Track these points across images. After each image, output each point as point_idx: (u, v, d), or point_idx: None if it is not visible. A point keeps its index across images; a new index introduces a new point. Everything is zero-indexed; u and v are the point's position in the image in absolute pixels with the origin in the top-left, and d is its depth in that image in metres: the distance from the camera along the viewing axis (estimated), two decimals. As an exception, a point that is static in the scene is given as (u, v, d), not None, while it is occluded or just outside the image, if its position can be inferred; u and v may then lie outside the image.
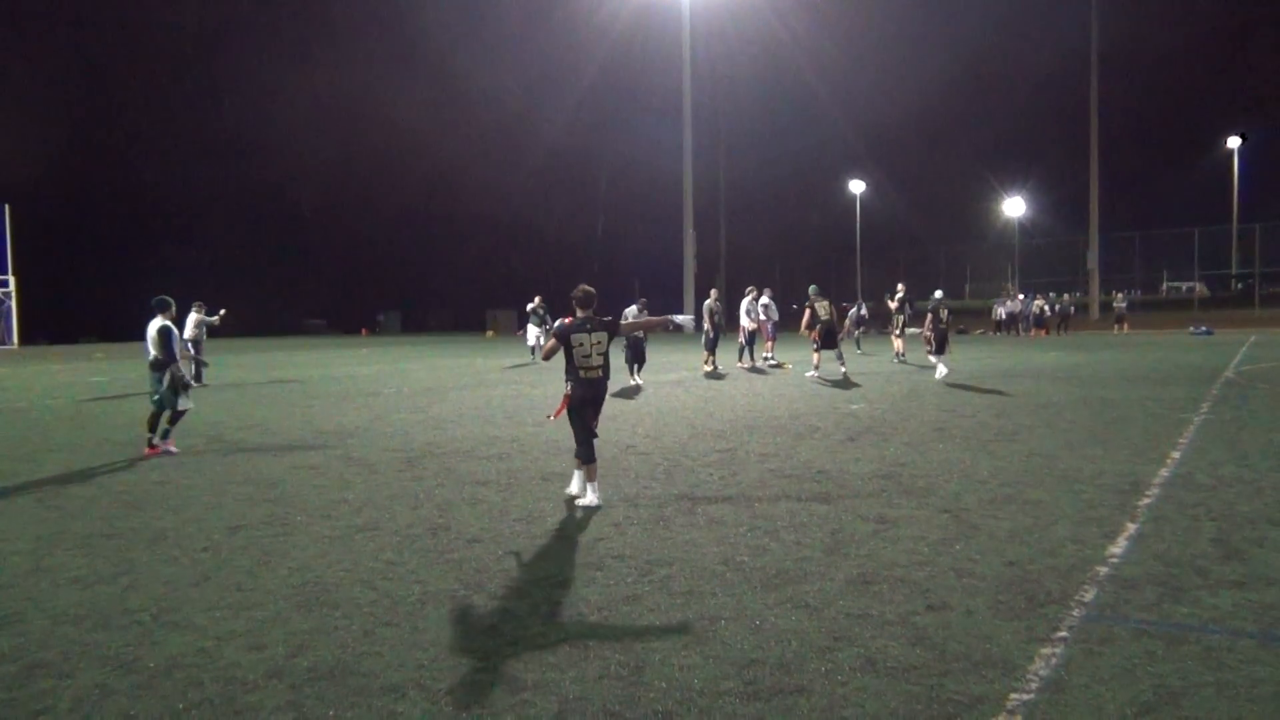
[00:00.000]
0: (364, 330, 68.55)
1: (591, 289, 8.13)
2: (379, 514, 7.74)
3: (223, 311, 22.70)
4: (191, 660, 4.64)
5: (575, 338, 7.93)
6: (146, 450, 11.24)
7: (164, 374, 11.23)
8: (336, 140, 76.73)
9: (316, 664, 4.55)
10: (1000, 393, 16.35)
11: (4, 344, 51.63)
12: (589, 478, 8.05)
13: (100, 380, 23.62)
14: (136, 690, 4.30)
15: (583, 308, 8.07)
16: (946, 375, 19.35)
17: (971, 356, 27.16)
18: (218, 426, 13.66)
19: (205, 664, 4.59)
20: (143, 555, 6.61)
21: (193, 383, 12.34)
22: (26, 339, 53.97)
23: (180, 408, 11.37)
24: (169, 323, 11.40)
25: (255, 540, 6.97)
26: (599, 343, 8.00)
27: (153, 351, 11.32)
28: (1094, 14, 56.38)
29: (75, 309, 60.46)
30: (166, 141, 71.05)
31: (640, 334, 18.60)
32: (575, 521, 7.35)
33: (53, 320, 57.59)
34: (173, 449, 11.27)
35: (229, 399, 18.19)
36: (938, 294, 20.96)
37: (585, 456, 8.03)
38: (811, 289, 20.96)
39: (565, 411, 8.14)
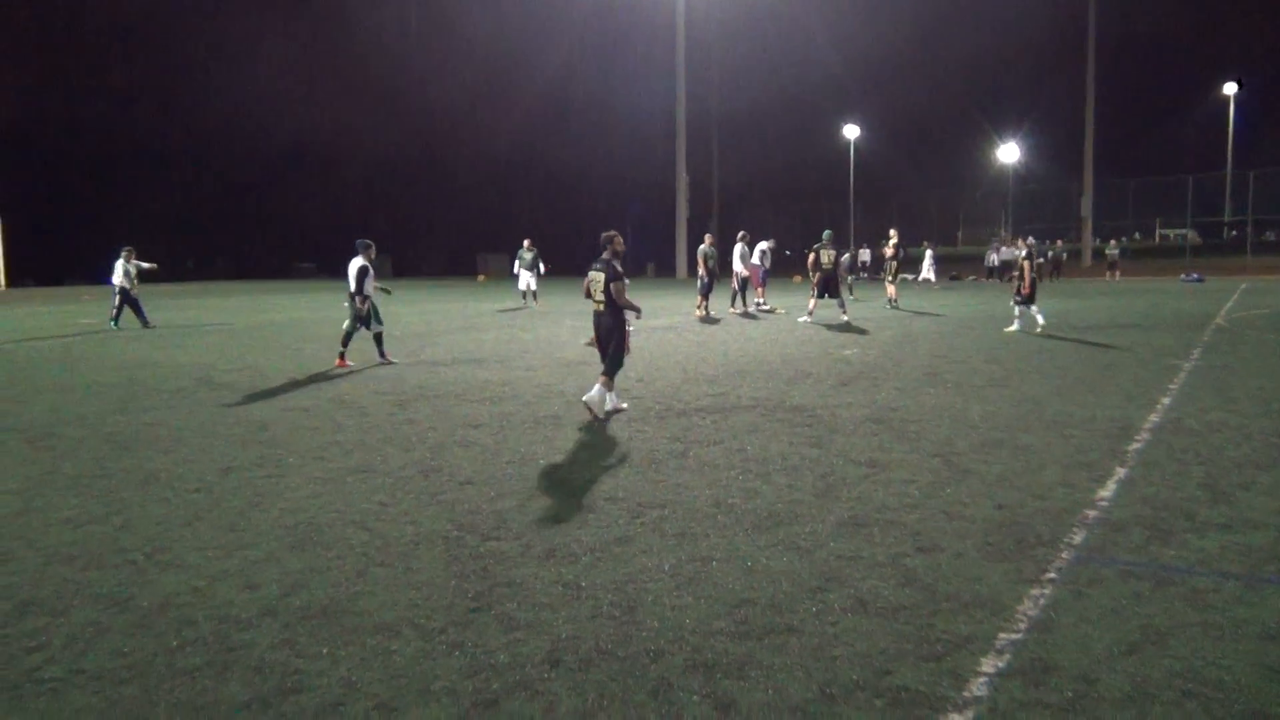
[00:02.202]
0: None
1: (612, 233, 9.69)
2: (371, 456, 7.75)
3: (155, 266, 22.63)
4: (185, 599, 4.65)
5: (589, 273, 9.56)
6: (336, 361, 13.49)
7: (352, 304, 13.46)
8: (327, 81, 75.59)
9: (309, 603, 4.57)
10: (991, 339, 16.37)
11: (-9, 286, 51.30)
12: (606, 388, 9.40)
13: (88, 322, 23.49)
14: (130, 628, 4.31)
15: (603, 249, 9.58)
16: (1033, 325, 17.37)
17: (964, 302, 27.16)
18: (209, 368, 13.61)
19: (198, 602, 4.60)
20: (134, 496, 6.61)
21: (366, 322, 13.70)
22: (13, 281, 53.64)
23: (373, 330, 13.67)
24: (367, 263, 13.51)
25: (247, 481, 6.97)
26: (599, 282, 9.42)
27: (352, 284, 13.43)
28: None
29: (61, 251, 59.93)
30: (152, 81, 69.86)
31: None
32: (567, 464, 7.36)
33: (39, 263, 57.10)
34: (348, 365, 13.38)
35: (219, 341, 18.13)
36: (1030, 240, 19.35)
37: (604, 373, 9.51)
38: (826, 234, 20.90)
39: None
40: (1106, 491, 6.32)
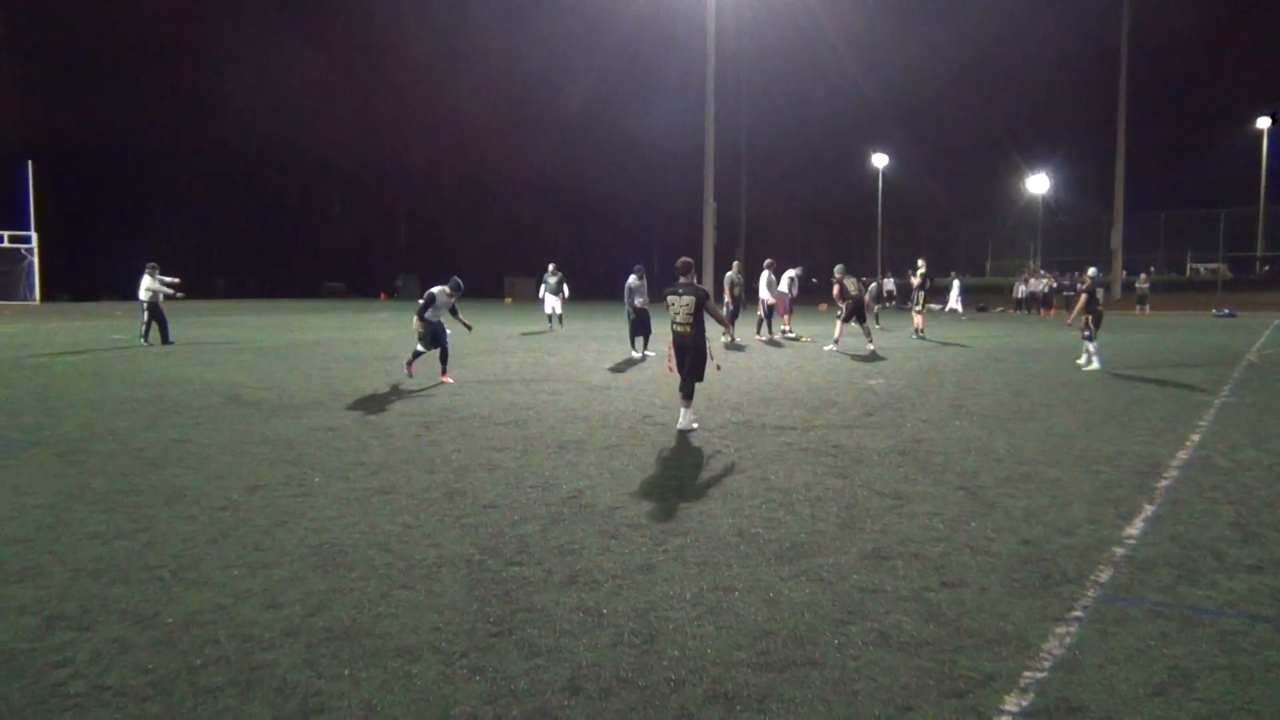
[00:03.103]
0: (382, 294, 68.57)
1: (689, 260, 10.29)
2: (395, 477, 7.78)
3: (178, 281, 22.43)
4: (209, 617, 4.69)
5: (669, 298, 10.06)
6: (440, 378, 14.17)
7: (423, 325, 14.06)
8: (361, 105, 76.36)
9: (332, 624, 4.59)
10: (1019, 370, 16.27)
11: (26, 300, 51.97)
12: (685, 407, 10.11)
13: (120, 338, 23.76)
14: (154, 645, 4.35)
15: (682, 274, 10.16)
16: (1098, 366, 16.37)
17: (991, 334, 27.01)
18: (236, 387, 13.73)
19: (222, 620, 4.64)
20: (162, 512, 6.67)
21: (421, 347, 14.40)
22: (47, 296, 54.33)
23: (418, 349, 14.33)
24: (436, 292, 14.09)
25: (273, 500, 7.02)
26: (686, 305, 9.91)
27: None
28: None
29: (97, 268, 60.56)
30: (187, 100, 70.69)
31: (641, 305, 18.75)
32: (590, 490, 7.37)
33: (74, 278, 57.76)
34: (411, 372, 14.43)
35: (248, 360, 18.29)
36: (1092, 271, 18.00)
37: (683, 392, 10.15)
38: (837, 269, 20.99)
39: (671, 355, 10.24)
40: (1134, 529, 6.26)
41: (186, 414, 11.15)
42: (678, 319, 10.03)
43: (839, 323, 20.86)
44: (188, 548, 5.84)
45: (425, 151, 75.00)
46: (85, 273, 59.78)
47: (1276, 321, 32.80)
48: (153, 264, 21.95)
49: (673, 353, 10.25)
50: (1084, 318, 16.43)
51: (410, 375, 14.38)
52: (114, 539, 6.03)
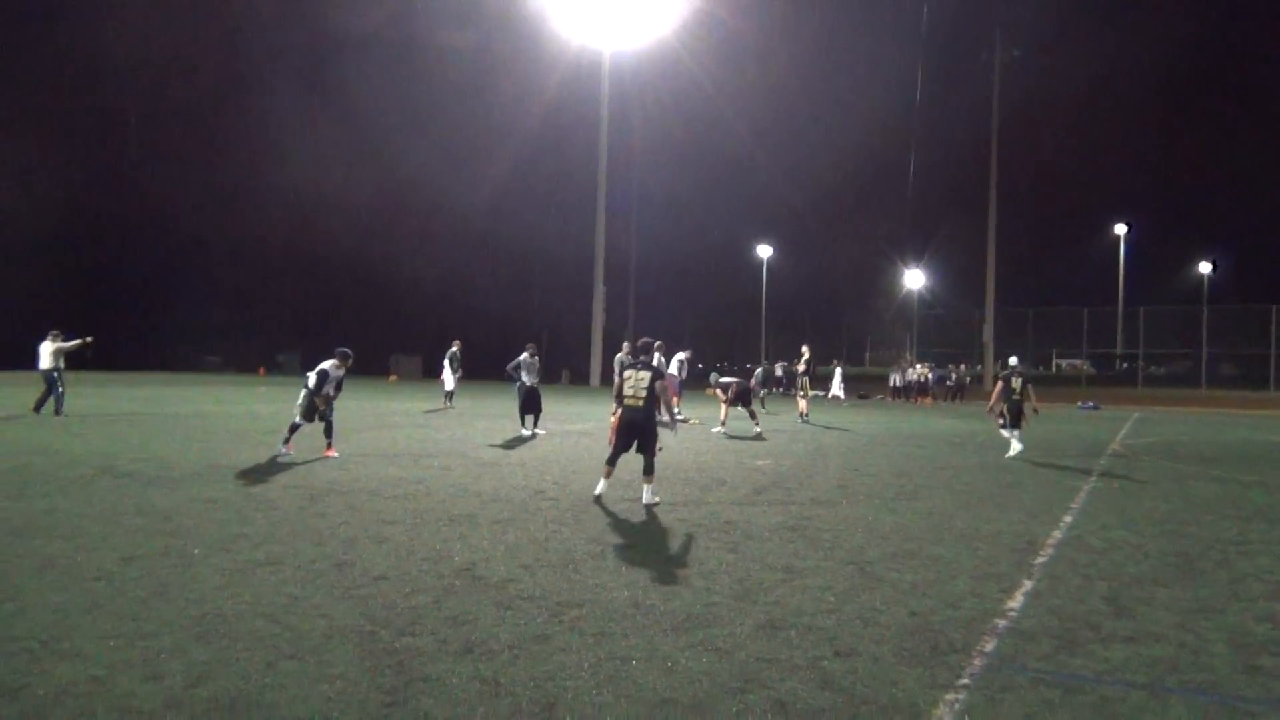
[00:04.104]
0: (261, 369, 66.82)
1: (651, 339, 11.19)
2: (281, 549, 7.55)
3: (89, 339, 21.35)
4: (83, 689, 4.46)
5: (627, 372, 10.37)
6: (325, 451, 13.90)
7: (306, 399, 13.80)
8: (242, 179, 75.21)
9: (217, 695, 4.41)
10: (898, 454, 16.73)
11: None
12: (649, 483, 10.19)
13: (-20, 407, 22.57)
14: (23, 718, 4.10)
15: (643, 353, 10.87)
16: (1020, 452, 16.56)
17: (872, 419, 27.76)
18: (110, 457, 13.17)
19: (98, 693, 4.41)
20: (30, 582, 6.33)
21: (298, 419, 13.91)
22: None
23: (296, 421, 13.85)
24: (327, 367, 13.82)
25: (150, 571, 6.73)
26: (643, 380, 10.17)
27: (311, 382, 13.80)
28: (995, 103, 58.94)
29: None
30: (53, 165, 68.33)
31: (532, 384, 18.74)
32: (483, 562, 7.27)
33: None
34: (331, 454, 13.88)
35: (122, 430, 17.56)
36: (1012, 360, 17.97)
37: (611, 463, 10.44)
38: (711, 376, 23.13)
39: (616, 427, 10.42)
40: (1015, 602, 6.47)
41: (55, 484, 10.63)
42: (631, 393, 10.19)
43: (724, 406, 21.16)
44: (59, 618, 5.55)
45: (308, 228, 73.90)
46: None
47: (1136, 414, 34.53)
48: (55, 331, 20.92)
49: (617, 425, 10.42)
50: (1000, 406, 16.68)
51: (287, 452, 13.67)
52: (-24, 609, 5.69)
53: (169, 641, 5.17)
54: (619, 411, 10.43)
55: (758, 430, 20.24)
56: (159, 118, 72.76)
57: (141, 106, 71.14)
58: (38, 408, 20.34)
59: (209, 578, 6.58)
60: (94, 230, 69.79)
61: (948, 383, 46.22)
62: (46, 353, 20.49)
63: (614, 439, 10.56)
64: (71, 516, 8.74)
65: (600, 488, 10.45)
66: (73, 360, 21.45)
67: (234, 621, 5.57)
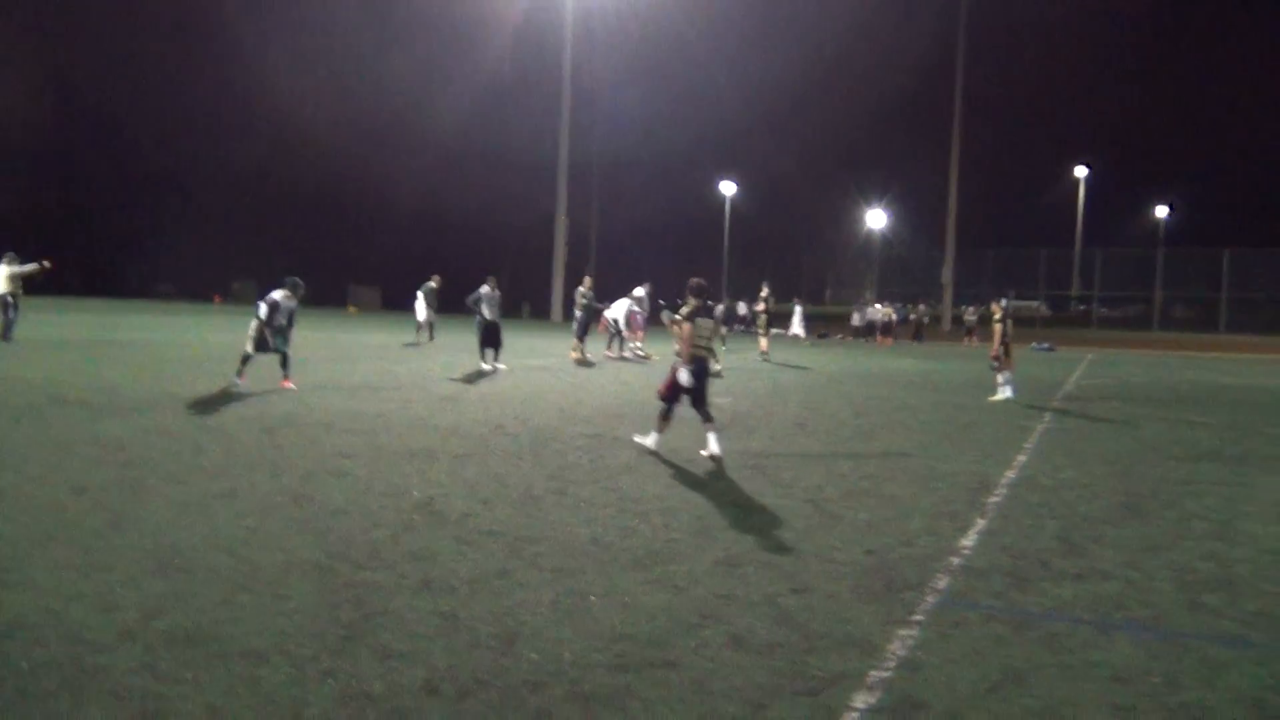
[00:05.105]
0: (216, 297, 65.85)
1: (703, 282, 9.78)
2: (237, 481, 7.49)
3: (46, 264, 20.46)
4: (36, 620, 4.41)
5: (698, 319, 9.49)
6: (281, 383, 13.66)
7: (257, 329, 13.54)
8: (194, 102, 73.33)
9: (172, 627, 4.39)
10: (858, 395, 16.88)
11: None
12: (714, 431, 9.47)
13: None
14: (-26, 649, 4.06)
15: (702, 295, 9.68)
16: (1010, 399, 16.15)
17: (831, 359, 27.96)
18: (60, 386, 12.94)
19: (51, 624, 4.37)
20: (-22, 513, 6.23)
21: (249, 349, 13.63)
22: None
23: (248, 352, 13.56)
24: (278, 298, 13.57)
25: (103, 502, 6.65)
26: (709, 327, 9.67)
27: (262, 311, 13.57)
28: (960, 43, 58.66)
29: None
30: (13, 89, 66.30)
31: (492, 318, 18.62)
32: (442, 497, 7.26)
33: None
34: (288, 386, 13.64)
35: (72, 359, 17.27)
36: (1004, 301, 16.91)
37: (670, 416, 9.65)
38: (664, 314, 21.74)
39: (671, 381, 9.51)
40: (968, 540, 6.58)
41: (4, 411, 10.44)
42: (705, 341, 9.61)
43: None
44: (9, 549, 5.47)
45: (265, 154, 72.45)
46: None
47: (1090, 356, 35.06)
48: (10, 253, 20.17)
49: (682, 374, 9.39)
50: (996, 350, 16.38)
51: (240, 383, 13.34)
52: (-76, 540, 5.60)
53: (124, 574, 5.12)
54: (682, 362, 9.42)
55: (718, 368, 20.29)
56: (117, 37, 70.48)
57: (100, 25, 68.84)
58: (5, 335, 19.69)
59: (164, 509, 6.51)
60: (49, 151, 67.86)
61: (908, 321, 46.56)
62: (1, 276, 19.87)
63: (671, 391, 9.56)
64: (21, 445, 8.60)
65: (655, 442, 9.62)
66: (28, 285, 20.87)
67: (190, 554, 5.52)
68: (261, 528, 6.16)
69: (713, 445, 9.37)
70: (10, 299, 19.84)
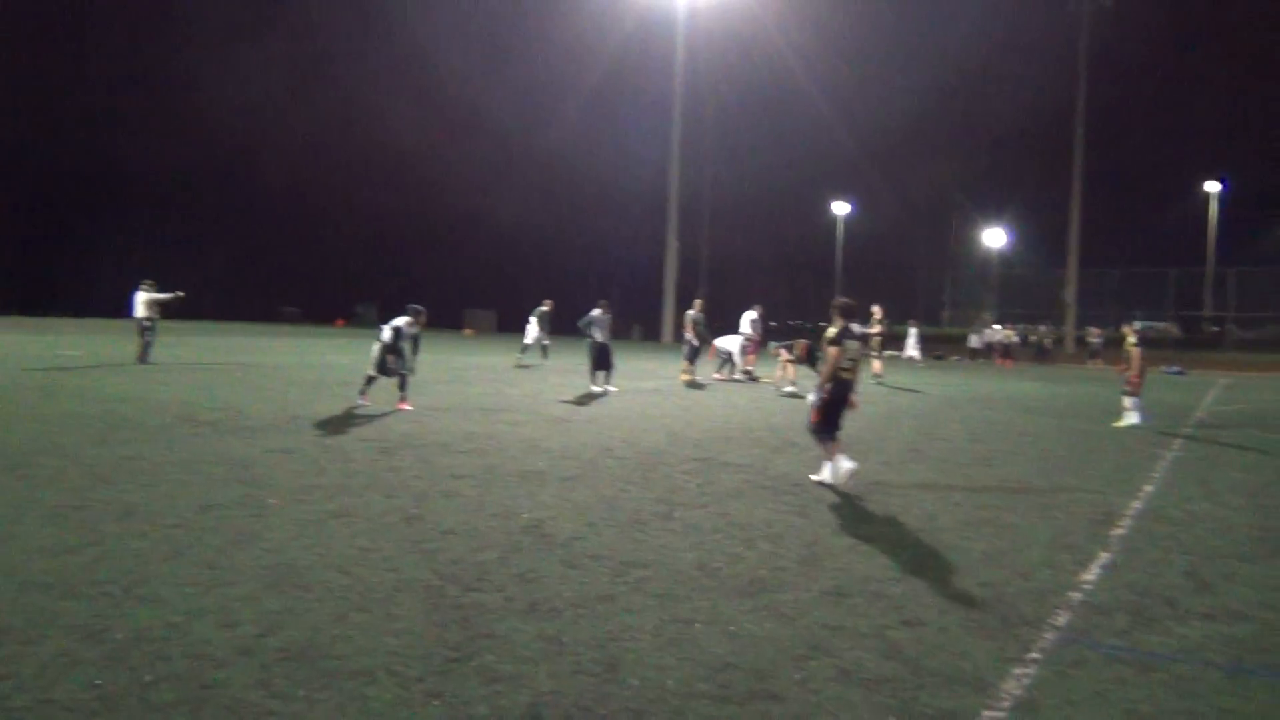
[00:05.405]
0: (339, 320, 68.05)
1: (850, 302, 9.62)
2: (353, 500, 7.68)
3: (180, 294, 21.89)
4: (160, 634, 4.58)
5: (845, 342, 9.28)
6: (397, 404, 14.10)
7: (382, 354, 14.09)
8: (320, 129, 76.25)
9: (287, 644, 4.51)
10: (975, 419, 16.44)
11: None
12: (829, 457, 9.23)
13: (73, 354, 23.34)
14: (103, 660, 4.24)
15: (850, 316, 9.54)
16: (1136, 425, 15.63)
17: (947, 381, 27.32)
18: (190, 407, 13.51)
19: (174, 638, 4.53)
20: (112, 528, 6.53)
21: (373, 371, 14.25)
22: (-2, 309, 53.32)
23: (370, 374, 14.22)
24: (401, 324, 14.10)
25: (227, 519, 6.89)
26: (855, 349, 9.46)
27: (386, 336, 14.12)
28: (1081, 55, 57.03)
29: (47, 282, 59.66)
30: (143, 117, 69.84)
31: (603, 340, 18.74)
32: (551, 520, 7.31)
33: (24, 292, 56.73)
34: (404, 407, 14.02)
35: (202, 381, 18.02)
36: (1135, 323, 16.52)
37: (830, 442, 9.29)
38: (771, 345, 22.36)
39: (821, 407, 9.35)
40: (1090, 575, 6.32)
41: (138, 431, 10.95)
42: (850, 366, 9.34)
43: (790, 366, 20.96)
44: (139, 564, 5.72)
45: (390, 182, 74.90)
46: (35, 287, 58.68)
47: (1224, 380, 33.48)
48: (148, 281, 21.55)
49: (827, 402, 9.29)
50: (1131, 376, 15.74)
51: (364, 404, 14.06)
52: (62, 553, 5.88)
53: (243, 590, 5.30)
54: (829, 386, 9.25)
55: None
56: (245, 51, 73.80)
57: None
58: (143, 358, 20.91)
59: (282, 528, 6.72)
60: (185, 182, 71.34)
61: (1028, 342, 45.23)
62: (140, 302, 21.21)
63: (825, 416, 9.34)
64: (153, 464, 8.99)
65: (833, 472, 9.13)
66: (165, 311, 22.11)
67: (305, 572, 5.68)
68: (374, 547, 6.30)
69: (825, 472, 9.21)
70: (148, 323, 21.09)
